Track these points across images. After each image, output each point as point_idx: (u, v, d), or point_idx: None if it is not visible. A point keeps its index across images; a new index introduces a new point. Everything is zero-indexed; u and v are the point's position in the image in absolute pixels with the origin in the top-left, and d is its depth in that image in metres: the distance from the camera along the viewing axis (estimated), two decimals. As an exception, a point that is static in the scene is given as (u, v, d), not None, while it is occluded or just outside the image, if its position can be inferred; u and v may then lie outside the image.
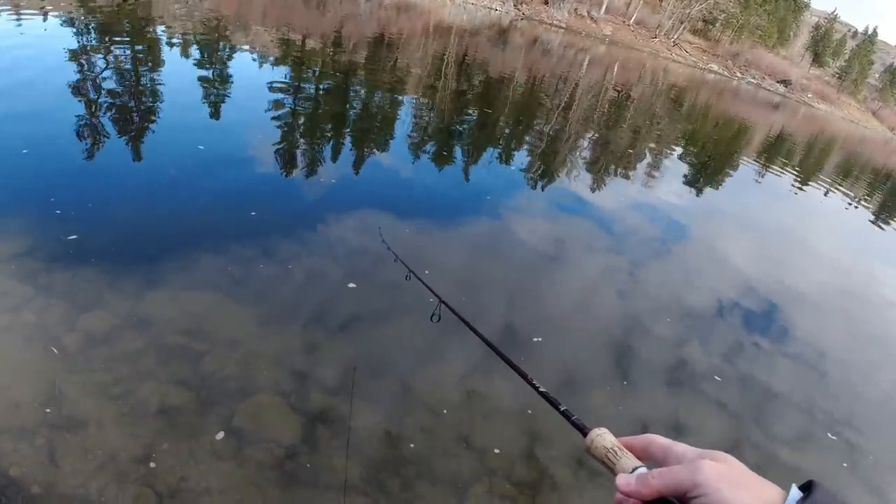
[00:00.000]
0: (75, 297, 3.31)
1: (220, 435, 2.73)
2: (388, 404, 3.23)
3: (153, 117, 6.47)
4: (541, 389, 0.84)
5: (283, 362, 3.30)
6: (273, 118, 7.58)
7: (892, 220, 14.14)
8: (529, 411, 3.39)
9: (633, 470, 0.62)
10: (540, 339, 4.20)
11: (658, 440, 0.64)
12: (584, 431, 0.69)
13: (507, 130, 10.94)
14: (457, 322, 1.29)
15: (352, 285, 4.20)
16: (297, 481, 2.63)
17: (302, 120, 8.07)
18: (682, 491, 0.55)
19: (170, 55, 9.52)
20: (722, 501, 0.52)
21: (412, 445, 3.00)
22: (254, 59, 10.99)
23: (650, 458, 0.64)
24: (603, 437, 0.66)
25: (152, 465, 2.50)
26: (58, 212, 4.09)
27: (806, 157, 22.44)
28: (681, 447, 0.62)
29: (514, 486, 2.95)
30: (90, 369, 2.87)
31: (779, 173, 15.38)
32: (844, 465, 3.90)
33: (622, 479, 0.61)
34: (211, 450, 2.64)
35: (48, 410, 2.60)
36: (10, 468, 2.32)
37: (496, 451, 3.12)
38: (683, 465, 0.58)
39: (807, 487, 0.52)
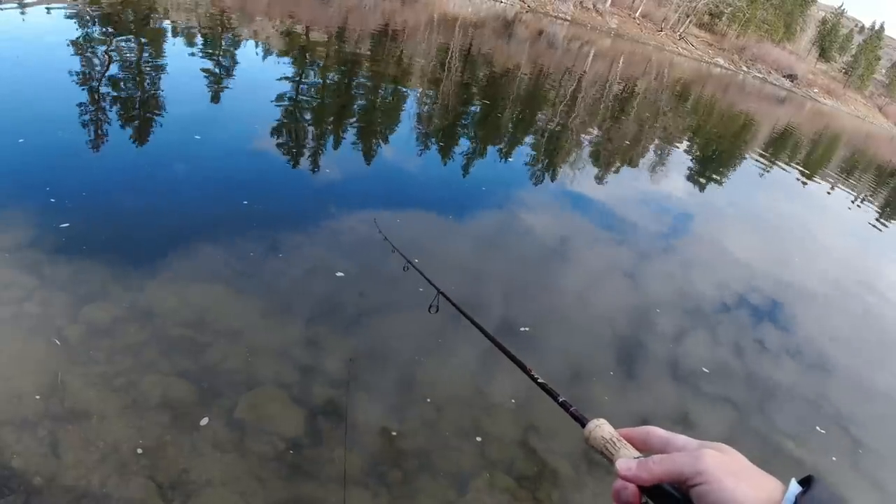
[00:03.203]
0: (77, 288, 3.31)
1: (205, 421, 2.74)
2: (388, 396, 3.24)
3: (152, 107, 6.46)
4: (539, 381, 0.84)
5: (285, 354, 3.30)
6: (274, 109, 7.55)
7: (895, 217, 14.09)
8: (530, 403, 3.39)
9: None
10: (527, 329, 4.21)
11: (657, 431, 0.64)
12: (582, 422, 0.69)
13: (510, 123, 10.90)
14: (457, 313, 1.29)
15: (339, 274, 4.19)
16: (299, 473, 2.64)
17: (303, 111, 8.05)
18: (684, 478, 0.55)
19: (171, 46, 9.49)
20: (722, 490, 0.52)
21: (412, 438, 3.01)
22: (257, 50, 10.95)
23: (649, 450, 0.63)
24: (601, 428, 0.66)
25: (154, 456, 2.51)
26: (52, 200, 4.08)
27: (811, 152, 22.32)
28: (681, 439, 0.61)
29: (515, 479, 2.96)
30: (92, 361, 2.87)
31: (783, 168, 15.31)
32: (833, 458, 3.91)
33: (623, 464, 0.60)
34: (213, 441, 2.65)
35: (50, 402, 2.61)
36: (13, 459, 2.33)
37: (496, 443, 3.12)
38: (685, 452, 0.57)
39: (806, 482, 0.52)
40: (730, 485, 0.52)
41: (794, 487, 0.51)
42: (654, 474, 0.57)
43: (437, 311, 1.56)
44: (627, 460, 0.61)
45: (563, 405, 0.75)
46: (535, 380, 0.85)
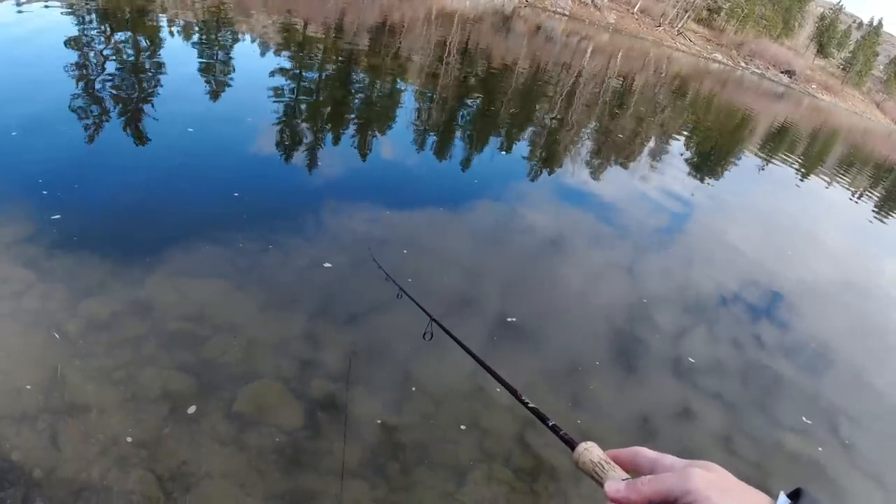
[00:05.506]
0: (75, 282, 3.32)
1: (192, 409, 2.75)
2: (386, 390, 3.25)
3: (146, 100, 6.44)
4: (530, 405, 0.85)
5: (283, 347, 3.31)
6: (268, 103, 7.53)
7: (893, 213, 14.12)
8: (528, 399, 3.40)
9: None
10: (514, 319, 4.22)
11: (645, 452, 0.64)
12: (571, 445, 0.69)
13: (506, 118, 10.88)
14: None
15: (327, 265, 4.20)
16: (298, 465, 2.66)
17: (298, 107, 8.02)
18: (672, 498, 0.55)
19: (167, 40, 9.44)
20: None
21: (410, 431, 3.02)
22: (253, 46, 10.90)
23: (637, 470, 0.63)
24: (590, 451, 0.66)
25: (154, 449, 2.52)
26: (45, 192, 4.08)
27: (809, 148, 22.34)
28: (669, 458, 0.62)
29: (513, 471, 2.97)
30: (91, 354, 2.88)
31: (781, 164, 15.33)
32: (820, 449, 3.94)
33: (611, 486, 0.61)
34: (212, 434, 2.66)
35: (50, 395, 2.62)
36: (13, 453, 2.34)
37: (494, 436, 3.13)
38: (673, 472, 0.58)
39: (795, 495, 0.52)
40: (718, 502, 0.52)
41: (784, 501, 0.52)
42: (643, 495, 0.57)
43: (432, 338, 1.61)
44: (616, 482, 0.61)
45: (553, 429, 0.76)
46: (525, 404, 0.86)
